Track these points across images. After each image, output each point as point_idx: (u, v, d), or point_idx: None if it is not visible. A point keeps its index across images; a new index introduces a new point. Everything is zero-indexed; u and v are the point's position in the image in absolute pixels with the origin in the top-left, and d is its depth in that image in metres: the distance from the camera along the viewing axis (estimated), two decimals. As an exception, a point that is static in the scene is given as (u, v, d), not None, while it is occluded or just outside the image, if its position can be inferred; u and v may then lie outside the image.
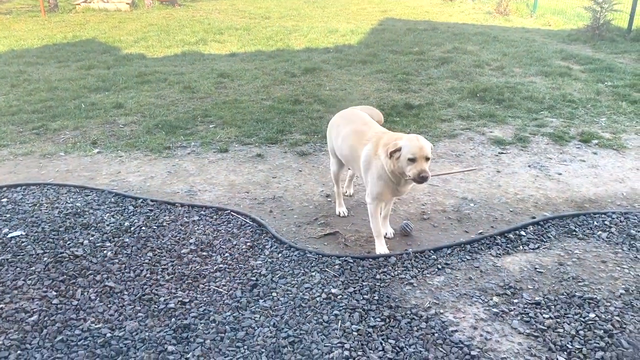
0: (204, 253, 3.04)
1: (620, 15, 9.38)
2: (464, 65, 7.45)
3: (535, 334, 2.38)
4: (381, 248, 3.06)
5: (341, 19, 12.25)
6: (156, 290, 2.69)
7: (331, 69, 7.46)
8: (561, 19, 11.23)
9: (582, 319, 2.47)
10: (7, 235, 3.19)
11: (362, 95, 6.24)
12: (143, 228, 3.30)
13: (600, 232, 3.24)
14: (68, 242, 3.12)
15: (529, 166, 4.27)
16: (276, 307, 2.55)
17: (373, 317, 2.49)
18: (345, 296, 2.64)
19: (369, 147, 2.99)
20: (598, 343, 2.30)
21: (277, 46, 9.08)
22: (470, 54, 8.09)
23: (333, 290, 2.68)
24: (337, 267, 2.90)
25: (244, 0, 15.90)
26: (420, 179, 2.72)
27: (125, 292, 2.67)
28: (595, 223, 3.35)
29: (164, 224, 3.36)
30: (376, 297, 2.63)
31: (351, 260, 2.95)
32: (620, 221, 3.37)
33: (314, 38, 9.70)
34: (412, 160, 2.72)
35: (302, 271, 2.86)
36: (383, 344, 2.30)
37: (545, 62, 7.45)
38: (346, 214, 3.50)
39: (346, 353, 2.24)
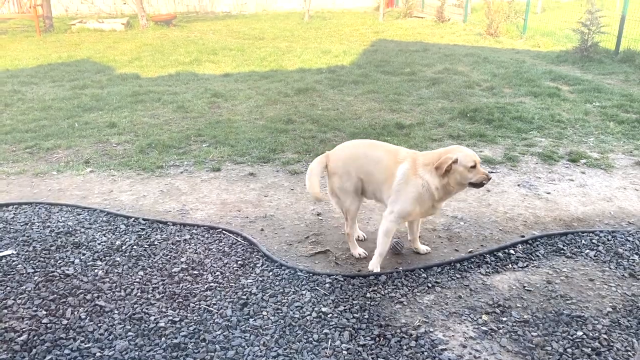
0: (195, 272, 3.05)
1: (608, 37, 9.57)
2: (454, 85, 7.55)
3: (524, 352, 2.39)
4: (377, 266, 3.06)
5: (334, 40, 12.40)
6: (147, 309, 2.69)
7: (324, 89, 7.53)
8: (550, 40, 11.43)
9: (570, 337, 2.49)
10: (-3, 254, 3.19)
11: (354, 115, 6.31)
12: (134, 247, 3.31)
13: (588, 251, 3.28)
14: (59, 261, 3.12)
15: (519, 185, 4.32)
16: (266, 326, 2.56)
17: (363, 335, 2.50)
18: (336, 315, 2.65)
19: (405, 166, 2.97)
20: (585, 361, 2.32)
21: (271, 67, 9.16)
22: (460, 75, 8.21)
23: (323, 309, 2.69)
24: (327, 285, 2.91)
25: (238, 22, 16.06)
26: (488, 179, 2.93)
27: (116, 311, 2.67)
28: (583, 242, 3.39)
29: (156, 242, 3.37)
30: (366, 316, 2.64)
31: (342, 279, 2.97)
32: (608, 240, 3.41)
33: (308, 59, 9.80)
34: (473, 167, 2.87)
35: (293, 290, 2.87)
36: (372, 363, 2.31)
37: (535, 83, 7.56)
38: (367, 254, 3.24)
39: (336, 372, 2.25)
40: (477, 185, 2.95)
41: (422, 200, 2.94)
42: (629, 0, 9.78)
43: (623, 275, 3.02)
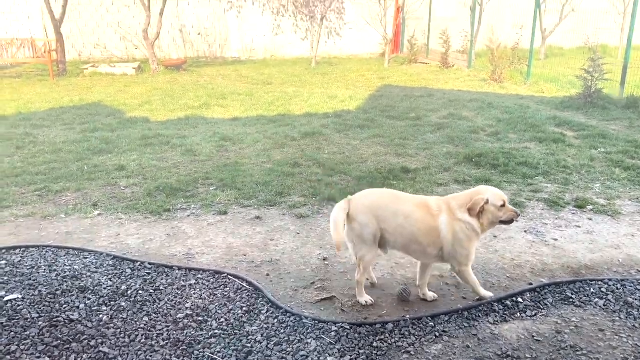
0: (200, 318, 3.02)
1: (611, 84, 9.70)
2: (459, 130, 7.63)
3: (534, 405, 2.34)
4: (485, 292, 3.20)
5: (341, 85, 12.62)
6: (150, 356, 2.66)
7: (330, 134, 7.63)
8: (554, 86, 11.57)
9: (581, 390, 2.43)
10: (3, 298, 3.19)
11: (360, 159, 6.36)
12: (140, 292, 3.30)
13: (597, 300, 3.24)
14: (64, 306, 3.11)
15: (525, 231, 4.30)
16: (271, 375, 2.52)
17: (369, 386, 2.45)
18: (341, 364, 2.61)
19: (445, 217, 3.03)
20: (598, 416, 2.26)
21: (279, 111, 9.31)
22: (465, 120, 8.30)
23: (329, 359, 2.65)
24: (333, 333, 2.88)
25: (247, 67, 16.42)
26: (518, 216, 3.11)
27: (120, 358, 2.64)
28: (592, 290, 3.35)
29: (161, 287, 3.36)
30: (372, 366, 2.60)
31: (348, 327, 2.94)
32: (617, 288, 3.37)
33: (314, 103, 9.95)
34: (502, 206, 3.04)
35: (298, 338, 2.84)
36: (379, 415, 2.26)
37: (540, 129, 7.63)
38: (374, 302, 3.23)
39: None
40: (508, 222, 3.13)
41: (471, 241, 3.07)
42: (631, 48, 9.95)
43: (634, 326, 2.97)
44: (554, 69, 13.37)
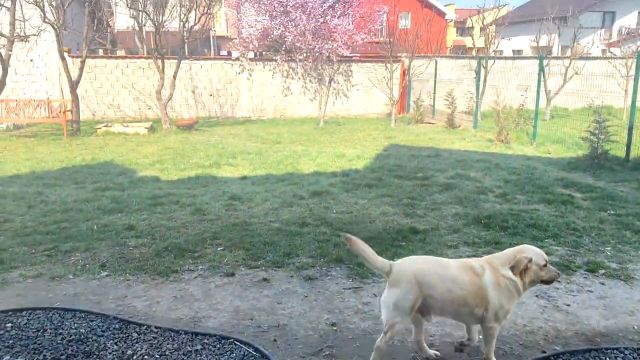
0: (206, 386, 2.96)
1: (617, 145, 9.77)
2: (467, 191, 7.65)
3: None
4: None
5: (348, 144, 12.80)
6: None
7: (338, 192, 7.67)
8: (561, 147, 11.66)
9: None
10: (7, 362, 3.15)
11: (368, 219, 6.37)
12: (145, 357, 3.25)
13: (614, 370, 3.14)
14: (68, 371, 3.06)
15: (537, 296, 4.23)
16: None
17: None
18: None
19: (489, 275, 3.07)
20: None
21: (287, 170, 9.41)
22: (473, 181, 8.34)
23: None
24: (342, 404, 2.79)
25: (257, 126, 16.74)
26: (558, 276, 3.20)
27: None
28: (608, 359, 3.26)
29: (167, 352, 3.31)
30: None
31: (357, 397, 2.85)
32: (634, 358, 3.27)
33: (322, 162, 10.07)
34: (544, 265, 3.09)
35: (306, 408, 2.76)
36: None
37: (548, 190, 7.64)
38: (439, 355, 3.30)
39: None
40: (549, 282, 3.19)
41: (513, 299, 3.09)
42: (636, 110, 10.09)
43: (654, 398, 2.87)
44: (560, 129, 13.52)
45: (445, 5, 41.35)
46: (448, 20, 38.65)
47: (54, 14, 13.44)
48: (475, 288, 3.04)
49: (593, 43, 22.83)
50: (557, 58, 19.69)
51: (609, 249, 5.35)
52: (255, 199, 7.29)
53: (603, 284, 4.48)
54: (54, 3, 13.47)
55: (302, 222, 6.16)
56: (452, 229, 6.00)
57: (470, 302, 3.04)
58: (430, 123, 17.17)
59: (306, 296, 4.24)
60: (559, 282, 3.21)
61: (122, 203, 7.03)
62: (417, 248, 5.27)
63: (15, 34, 13.36)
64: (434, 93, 18.92)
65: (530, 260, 3.03)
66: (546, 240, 5.58)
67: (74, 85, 14.30)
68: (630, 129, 9.88)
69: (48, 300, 4.11)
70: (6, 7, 13.31)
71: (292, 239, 5.59)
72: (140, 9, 15.11)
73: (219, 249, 5.34)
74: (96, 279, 4.57)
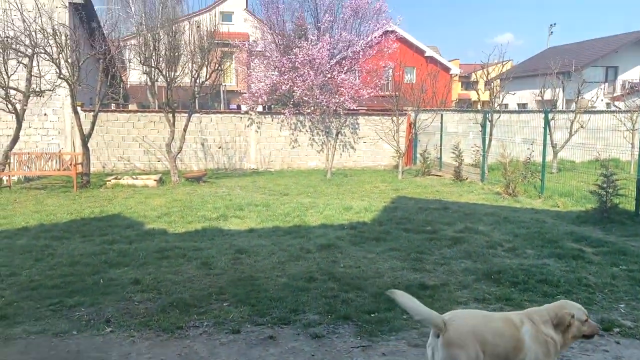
0: None
1: (626, 199, 9.72)
2: (476, 245, 7.58)
3: None
4: None
5: (355, 196, 12.81)
6: None
7: (346, 246, 7.62)
8: (569, 200, 11.59)
9: None
10: None
11: (376, 274, 6.29)
12: (147, 419, 3.15)
13: None
14: None
15: (551, 356, 4.10)
16: None
17: None
18: None
19: (527, 328, 3.06)
20: None
21: (294, 222, 9.40)
22: (482, 235, 8.27)
23: None
24: None
25: (264, 178, 16.86)
26: (599, 331, 3.32)
27: None
28: None
29: (170, 415, 3.21)
30: None
31: None
32: None
33: (330, 215, 10.05)
34: (585, 320, 3.13)
35: None
36: None
37: (558, 244, 7.56)
38: None
39: None
40: (590, 337, 3.24)
41: (550, 356, 3.05)
42: (643, 163, 10.11)
43: None
44: (567, 182, 13.51)
45: (450, 61, 42.34)
46: (453, 75, 39.47)
47: (69, 70, 13.86)
48: (515, 342, 3.03)
49: (597, 97, 23.13)
50: (562, 112, 19.93)
51: (622, 306, 5.23)
52: (262, 253, 7.25)
53: (618, 342, 4.36)
54: (69, 60, 13.91)
55: (309, 277, 6.10)
56: (462, 284, 5.91)
57: (511, 356, 3.03)
58: (437, 175, 17.23)
59: (313, 355, 4.15)
60: (599, 335, 3.20)
61: (129, 256, 7.01)
62: (427, 304, 5.12)
63: (30, 89, 13.75)
64: (441, 146, 19.09)
65: (572, 316, 3.05)
66: (558, 296, 5.46)
67: (85, 139, 14.57)
68: (638, 182, 9.84)
69: (50, 357, 4.04)
70: (23, 64, 13.78)
71: (299, 294, 5.52)
72: (153, 65, 15.57)
73: (224, 304, 5.27)
74: (100, 335, 4.50)
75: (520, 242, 7.80)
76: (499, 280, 5.98)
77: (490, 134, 16.30)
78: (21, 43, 13.68)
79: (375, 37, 21.32)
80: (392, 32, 23.10)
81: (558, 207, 11.18)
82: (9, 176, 14.12)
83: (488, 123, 16.33)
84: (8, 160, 13.96)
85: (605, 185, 9.37)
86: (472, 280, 6.03)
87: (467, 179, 15.68)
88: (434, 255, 7.14)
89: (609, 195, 9.35)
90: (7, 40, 13.59)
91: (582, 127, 16.99)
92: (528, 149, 13.54)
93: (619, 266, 6.55)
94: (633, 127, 17.55)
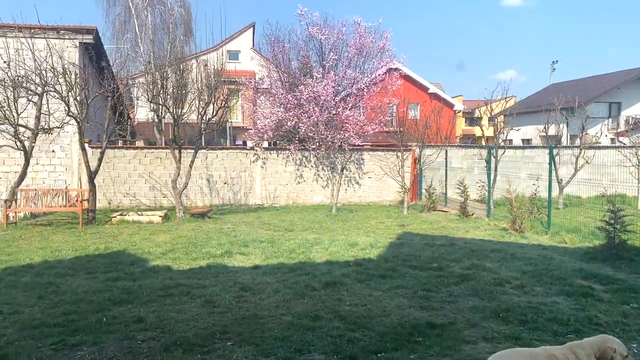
0: None
1: (635, 235, 9.63)
2: (484, 282, 7.48)
3: None
4: None
5: (361, 232, 12.75)
6: None
7: (351, 283, 7.54)
8: (576, 236, 11.48)
9: None
10: None
11: (382, 312, 6.20)
12: None
13: None
14: None
15: (563, 399, 3.99)
16: None
17: None
18: None
19: None
20: None
21: (299, 259, 9.33)
22: (489, 271, 8.18)
23: None
24: None
25: (269, 213, 16.84)
26: None
27: None
28: None
29: None
30: None
31: None
32: None
33: (335, 251, 9.99)
34: (626, 356, 3.18)
35: None
36: None
37: (566, 281, 7.45)
38: None
39: None
40: None
41: None
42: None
43: None
44: (574, 218, 13.42)
45: (453, 97, 42.82)
46: (457, 111, 39.82)
47: (78, 107, 14.07)
48: None
49: (601, 132, 23.20)
50: (566, 147, 19.97)
51: (634, 345, 5.12)
52: (267, 290, 7.17)
53: (633, 385, 4.23)
54: (78, 98, 14.14)
55: (315, 316, 6.01)
56: (470, 323, 5.80)
57: None
58: (443, 211, 17.16)
59: (319, 397, 4.04)
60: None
61: (133, 294, 6.95)
62: (434, 344, 5.08)
63: (39, 127, 13.94)
64: (446, 181, 19.08)
65: (614, 351, 3.09)
66: (568, 335, 5.36)
67: (92, 175, 14.66)
68: (646, 218, 9.78)
69: (51, 399, 3.97)
70: (33, 102, 14.01)
71: (304, 333, 5.43)
72: (161, 102, 15.80)
73: (228, 343, 5.19)
74: (102, 376, 4.42)
75: (528, 279, 7.69)
76: (507, 318, 5.88)
77: (495, 170, 16.30)
78: (32, 82, 13.94)
79: (379, 75, 21.63)
80: (396, 69, 23.44)
81: (565, 243, 11.07)
82: (15, 212, 14.16)
83: (493, 159, 16.35)
84: (15, 197, 14.03)
85: (612, 221, 9.29)
86: (480, 319, 5.92)
87: (473, 214, 15.60)
88: (441, 293, 7.05)
89: (616, 231, 9.26)
90: (18, 79, 13.84)
91: (587, 162, 16.98)
92: (533, 184, 13.49)
93: (630, 304, 6.44)
94: (639, 162, 17.51)
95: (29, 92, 14.00)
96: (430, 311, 6.25)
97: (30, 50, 14.49)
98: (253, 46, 36.07)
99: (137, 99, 24.71)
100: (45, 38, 15.83)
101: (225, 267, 8.73)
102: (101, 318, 5.95)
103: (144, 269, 8.55)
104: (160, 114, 16.19)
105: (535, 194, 13.48)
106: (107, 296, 6.82)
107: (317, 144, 19.48)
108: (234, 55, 35.65)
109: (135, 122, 27.98)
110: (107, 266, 8.72)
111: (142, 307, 6.42)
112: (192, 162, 16.01)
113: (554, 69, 50.42)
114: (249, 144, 21.09)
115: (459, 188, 15.90)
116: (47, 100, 14.12)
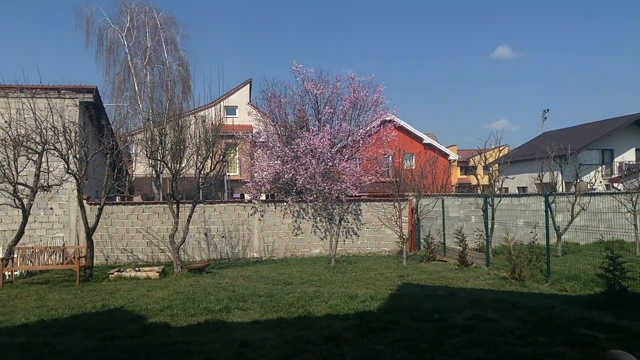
0: None
1: (635, 282, 9.59)
2: (486, 333, 7.39)
3: None
4: None
5: (361, 284, 12.64)
6: None
7: (352, 337, 7.43)
8: (577, 284, 11.42)
9: None
10: None
11: (385, 367, 6.09)
12: None
13: None
14: None
15: None
16: None
17: None
18: None
19: None
20: None
21: (299, 313, 9.21)
22: (491, 322, 8.08)
23: None
24: None
25: (268, 267, 16.71)
26: None
27: None
28: None
29: None
30: None
31: None
32: None
33: (335, 304, 9.88)
34: None
35: None
36: None
37: (570, 331, 7.37)
38: None
39: None
40: None
41: None
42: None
43: None
44: (573, 265, 13.37)
45: (448, 147, 43.42)
46: (451, 161, 40.27)
47: (77, 165, 14.21)
48: None
49: (595, 179, 23.43)
50: (562, 194, 20.09)
51: (643, 396, 5.02)
52: (266, 346, 7.06)
53: None
54: (77, 155, 14.31)
55: (316, 372, 5.90)
56: (474, 376, 5.70)
57: None
58: (442, 260, 17.09)
59: None
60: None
61: (130, 352, 6.82)
62: (438, 399, 4.97)
63: (38, 185, 14.02)
64: (444, 230, 19.09)
65: None
66: (575, 387, 5.27)
67: (90, 232, 14.64)
68: (645, 265, 9.77)
69: None
70: (33, 160, 14.16)
71: (306, 392, 5.32)
72: (159, 158, 15.98)
73: (228, 403, 5.07)
74: None
75: (531, 329, 7.60)
76: (512, 370, 5.78)
77: (493, 218, 16.36)
78: (32, 140, 14.14)
79: (374, 127, 22.04)
80: (390, 121, 23.90)
81: (566, 291, 10.99)
82: (12, 271, 14.03)
83: (489, 207, 16.43)
84: (12, 255, 13.94)
85: (612, 268, 9.28)
86: (484, 372, 5.82)
87: (472, 263, 15.53)
88: (444, 345, 6.94)
89: (616, 278, 9.24)
90: (19, 138, 14.05)
91: (583, 209, 17.07)
92: (531, 232, 13.52)
93: (635, 352, 6.34)
94: (634, 208, 17.61)
95: (29, 150, 14.17)
96: (433, 365, 6.14)
97: (32, 109, 14.78)
98: (250, 101, 36.82)
99: (136, 155, 24.96)
100: (46, 97, 16.21)
101: (224, 323, 8.61)
102: (98, 379, 5.82)
103: (141, 326, 8.42)
104: (158, 169, 16.34)
105: (533, 242, 13.48)
106: (103, 355, 6.69)
107: (315, 195, 19.60)
108: (231, 110, 36.32)
109: (134, 178, 28.14)
110: (104, 324, 8.58)
111: (139, 367, 6.30)
112: (190, 216, 16.03)
113: (545, 118, 51.38)
114: (247, 197, 21.20)
115: (457, 237, 15.91)
116: (47, 158, 14.28)
